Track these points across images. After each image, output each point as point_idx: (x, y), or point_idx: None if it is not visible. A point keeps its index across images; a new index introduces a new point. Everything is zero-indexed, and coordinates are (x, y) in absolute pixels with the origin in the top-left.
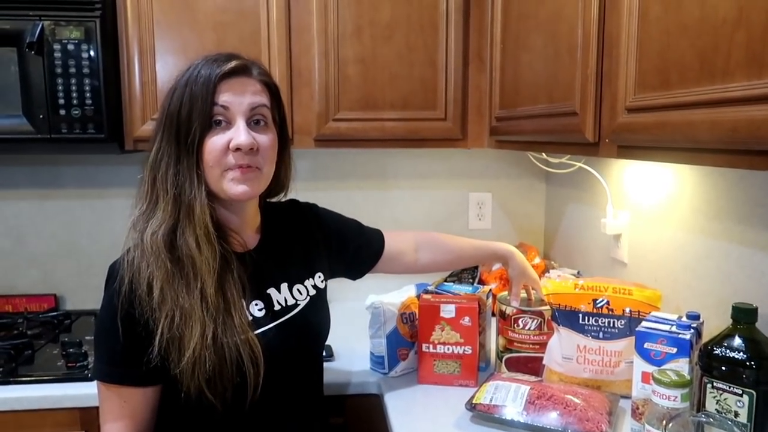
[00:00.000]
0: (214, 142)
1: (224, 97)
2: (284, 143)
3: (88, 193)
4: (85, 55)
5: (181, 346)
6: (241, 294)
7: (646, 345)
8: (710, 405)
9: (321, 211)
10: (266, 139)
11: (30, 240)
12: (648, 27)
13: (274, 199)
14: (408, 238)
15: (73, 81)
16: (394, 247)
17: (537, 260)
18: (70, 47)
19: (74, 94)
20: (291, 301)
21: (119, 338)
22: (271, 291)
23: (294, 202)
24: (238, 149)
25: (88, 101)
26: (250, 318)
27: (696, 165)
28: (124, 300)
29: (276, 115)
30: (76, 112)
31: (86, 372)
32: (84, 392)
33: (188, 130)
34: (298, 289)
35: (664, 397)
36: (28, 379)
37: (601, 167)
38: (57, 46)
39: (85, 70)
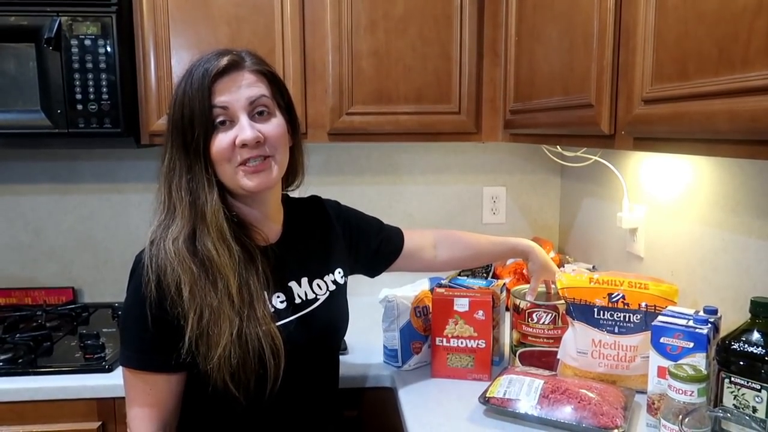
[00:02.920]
0: (221, 141)
1: (221, 98)
2: (294, 127)
3: (105, 187)
4: (101, 50)
5: (209, 343)
6: (264, 287)
7: (662, 339)
8: (727, 400)
9: (343, 207)
10: (272, 127)
11: (48, 234)
12: (665, 16)
13: (293, 189)
14: (427, 235)
15: (90, 76)
16: (413, 244)
17: (552, 254)
18: (87, 42)
19: (91, 89)
20: (311, 295)
21: (148, 326)
22: (292, 284)
23: (316, 198)
24: (244, 145)
25: (105, 96)
26: (272, 310)
27: (714, 156)
28: (153, 292)
29: (279, 101)
30: (93, 106)
31: (104, 363)
32: (101, 383)
33: (193, 136)
34: (317, 284)
35: (680, 392)
36: (47, 370)
37: (616, 160)
38: (74, 42)
39: (102, 65)
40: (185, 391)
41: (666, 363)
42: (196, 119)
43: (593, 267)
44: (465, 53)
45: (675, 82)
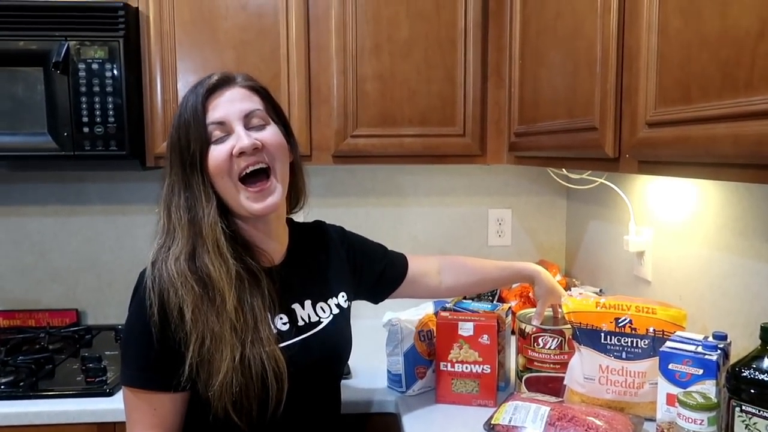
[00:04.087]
0: (218, 153)
1: (215, 114)
2: (292, 145)
3: (111, 209)
4: (108, 74)
5: (210, 370)
6: (268, 308)
7: (670, 366)
8: (739, 429)
9: (348, 233)
10: (269, 134)
11: (54, 255)
12: (668, 41)
13: (297, 211)
14: (431, 261)
15: (97, 99)
16: (417, 269)
17: (558, 278)
18: (95, 66)
19: (98, 112)
20: (314, 318)
21: (152, 342)
22: (296, 306)
23: (320, 223)
24: (242, 153)
25: (111, 119)
26: (275, 331)
27: (720, 180)
28: (155, 316)
29: (274, 116)
30: (99, 129)
31: (105, 387)
32: (102, 407)
33: (189, 152)
34: (321, 307)
35: (690, 420)
36: (48, 393)
37: (623, 183)
38: (82, 66)
39: (109, 89)
40: (186, 418)
41: (675, 390)
42: (192, 136)
43: (600, 290)
44: (469, 76)
45: (678, 105)
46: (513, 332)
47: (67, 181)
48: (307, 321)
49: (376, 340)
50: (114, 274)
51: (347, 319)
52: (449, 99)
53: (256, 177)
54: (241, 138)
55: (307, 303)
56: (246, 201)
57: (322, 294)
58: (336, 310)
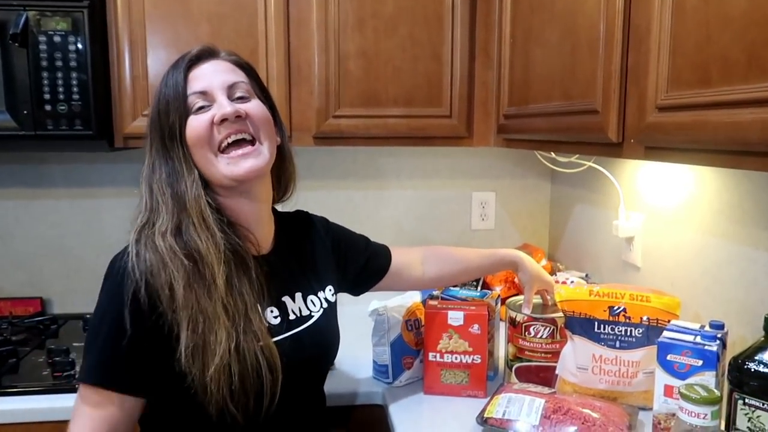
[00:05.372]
0: (197, 121)
1: (197, 85)
2: (279, 128)
3: (76, 192)
4: (72, 47)
5: (206, 354)
6: (258, 296)
7: (669, 357)
8: (741, 423)
9: (331, 224)
10: (253, 106)
11: (16, 241)
12: (684, 19)
13: (285, 199)
14: (413, 251)
15: (60, 75)
16: (400, 261)
17: (543, 262)
18: (57, 39)
19: (60, 89)
20: (305, 312)
21: (126, 333)
22: (286, 299)
23: (304, 213)
24: (224, 120)
25: (76, 96)
26: (266, 325)
27: (741, 169)
28: (143, 297)
29: (260, 95)
30: (63, 107)
31: (73, 382)
32: (71, 405)
33: (168, 123)
34: (312, 300)
35: (693, 414)
36: (11, 390)
37: (612, 167)
38: (42, 38)
39: (72, 63)
40: (174, 418)
41: (673, 381)
42: (171, 107)
43: (586, 275)
44: (457, 55)
45: (695, 89)
46: (501, 319)
47: (28, 162)
48: (299, 315)
49: (359, 328)
50: (81, 261)
51: (335, 313)
52: (435, 78)
53: (238, 146)
54: (223, 105)
55: (298, 296)
56: (226, 167)
57: (312, 287)
58: (325, 304)
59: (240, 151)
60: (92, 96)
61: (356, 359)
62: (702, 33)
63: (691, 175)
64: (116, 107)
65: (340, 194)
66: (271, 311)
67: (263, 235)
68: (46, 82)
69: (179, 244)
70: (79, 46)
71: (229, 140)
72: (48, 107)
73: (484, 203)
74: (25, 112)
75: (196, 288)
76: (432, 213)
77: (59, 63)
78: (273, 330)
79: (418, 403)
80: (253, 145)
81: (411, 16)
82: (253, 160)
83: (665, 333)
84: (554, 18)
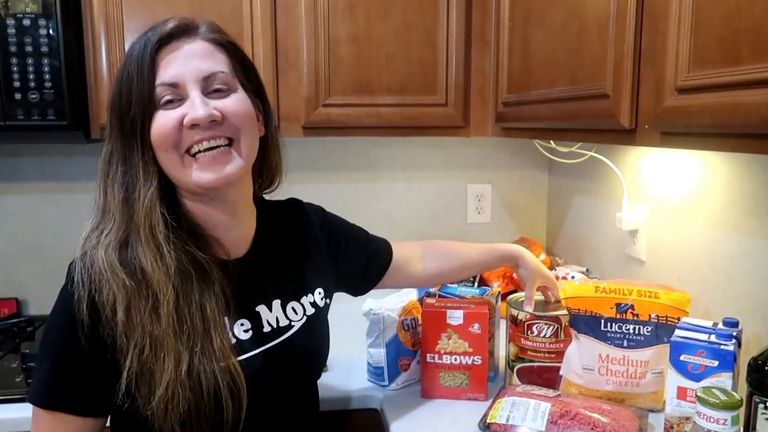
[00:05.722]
0: (164, 120)
1: (167, 73)
2: (267, 116)
3: (51, 186)
4: (43, 31)
5: (151, 382)
6: (223, 311)
7: (682, 357)
8: (762, 427)
9: (328, 215)
10: (232, 102)
11: None
12: None
13: (270, 191)
14: (412, 246)
15: (30, 61)
16: (400, 255)
17: (542, 257)
18: (26, 22)
19: (31, 76)
20: (284, 322)
21: (75, 353)
22: (261, 309)
23: (296, 202)
24: (194, 125)
25: (48, 84)
26: (234, 341)
27: None
28: (84, 314)
29: (244, 80)
30: (34, 96)
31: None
32: None
33: (129, 116)
34: (293, 308)
35: (712, 420)
36: None
37: (615, 157)
38: (11, 21)
39: (44, 49)
40: None
41: (687, 383)
42: (134, 96)
43: (587, 270)
44: (452, 40)
45: (722, 67)
46: (502, 317)
47: (0, 155)
48: (275, 326)
49: (353, 327)
50: (58, 259)
51: (324, 320)
52: (430, 65)
53: (212, 151)
54: (195, 106)
55: (276, 304)
56: (195, 172)
57: (295, 291)
58: (310, 310)
59: (211, 155)
60: (66, 84)
61: (350, 361)
62: (730, 5)
63: (698, 164)
64: (92, 96)
65: (330, 187)
66: (241, 324)
67: (239, 236)
68: (15, 68)
69: (122, 260)
70: (51, 30)
71: (201, 147)
72: (18, 96)
73: (479, 196)
74: None
75: (140, 310)
76: (426, 206)
77: (29, 48)
78: (241, 346)
79: (416, 407)
80: (228, 146)
81: None
82: (226, 167)
83: (678, 332)
84: None
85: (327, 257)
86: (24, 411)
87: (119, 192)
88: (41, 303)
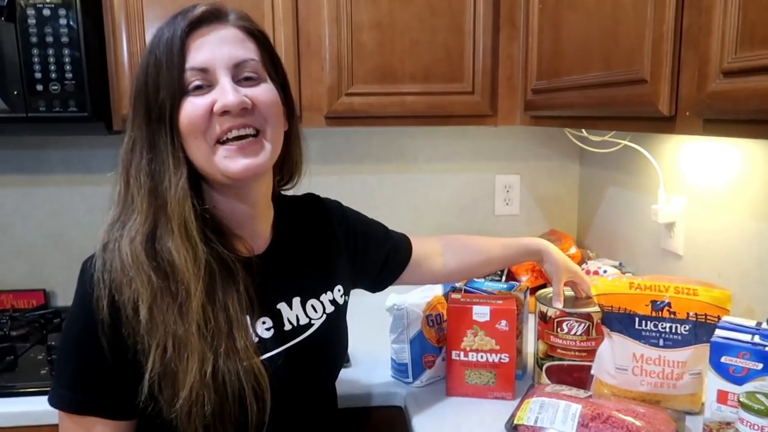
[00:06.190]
0: (193, 107)
1: (197, 57)
2: (290, 110)
3: (77, 178)
4: (63, 21)
5: (175, 384)
6: (246, 310)
7: (723, 359)
8: None
9: (346, 210)
10: (262, 91)
11: (15, 230)
12: None
13: (288, 188)
14: (432, 241)
15: (51, 52)
16: (420, 251)
17: (573, 250)
18: (46, 13)
19: (52, 67)
20: (304, 320)
21: (98, 352)
22: (282, 306)
23: (314, 197)
24: (225, 112)
25: (69, 75)
26: (256, 340)
27: None
28: (105, 314)
29: (272, 72)
30: (55, 87)
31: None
32: None
33: (157, 102)
34: (312, 306)
35: (756, 427)
36: (7, 391)
37: (650, 145)
38: (31, 11)
39: (64, 39)
40: None
41: (728, 386)
42: (162, 80)
43: (620, 264)
44: (479, 25)
45: None
46: (530, 311)
47: (26, 147)
48: (296, 324)
49: (377, 321)
50: (84, 250)
51: (343, 317)
52: (456, 51)
53: (239, 139)
54: (227, 92)
55: (296, 301)
56: (223, 160)
57: (315, 289)
58: (330, 308)
59: (239, 144)
60: (87, 75)
61: (374, 356)
62: None
63: (739, 153)
64: (113, 86)
65: (354, 178)
66: (263, 323)
67: (258, 232)
68: (36, 60)
69: (149, 254)
70: (71, 20)
71: (230, 135)
72: (39, 87)
73: (508, 187)
74: (15, 92)
75: (164, 309)
76: (453, 197)
77: (50, 39)
78: (264, 344)
79: (440, 405)
80: (256, 137)
81: None
82: (253, 159)
83: (718, 332)
84: None
85: (345, 253)
86: (48, 404)
87: (145, 181)
88: (68, 294)
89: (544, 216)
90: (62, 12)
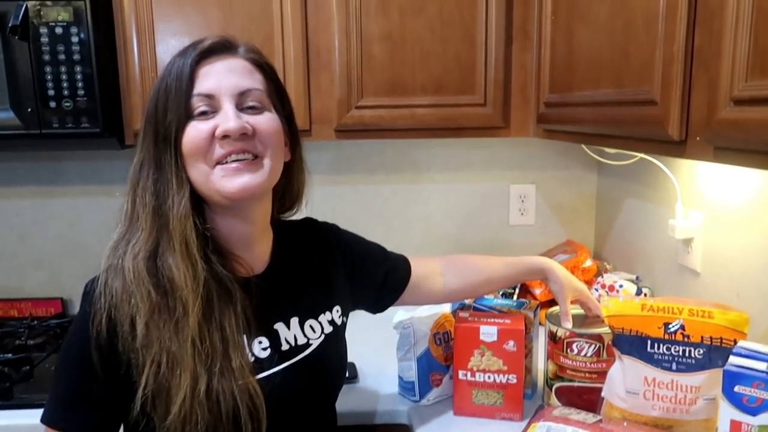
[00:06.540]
0: (197, 130)
1: (204, 84)
2: (294, 139)
3: (93, 189)
4: (75, 38)
5: (167, 401)
6: (243, 329)
7: (737, 388)
8: None
9: (343, 232)
10: (264, 120)
11: (34, 240)
12: None
13: (288, 216)
14: (432, 261)
15: (63, 69)
16: (419, 271)
17: (588, 262)
18: (58, 30)
19: (65, 84)
20: (302, 340)
21: (88, 375)
22: (279, 326)
23: (312, 222)
24: (225, 137)
25: (81, 91)
26: (252, 359)
27: None
28: (102, 329)
29: (277, 103)
30: (68, 104)
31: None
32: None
33: (164, 124)
34: (311, 326)
35: None
36: (22, 403)
37: (667, 159)
38: (43, 30)
39: (76, 56)
40: None
41: (742, 417)
42: (170, 105)
43: (637, 278)
44: (491, 36)
45: None
46: (541, 324)
47: (43, 160)
48: (293, 344)
49: (384, 337)
50: (100, 260)
51: (342, 337)
52: (468, 63)
53: (238, 162)
54: (228, 118)
55: (294, 321)
56: (220, 180)
57: (313, 309)
58: (328, 329)
59: (236, 164)
60: (98, 91)
61: (381, 373)
62: None
63: (757, 172)
64: (125, 102)
65: (367, 189)
66: (260, 342)
67: (257, 254)
68: (49, 77)
69: (150, 270)
70: (83, 37)
71: (229, 159)
72: (53, 104)
73: (523, 197)
74: (29, 109)
75: (160, 325)
76: (467, 208)
77: (62, 56)
78: (260, 364)
79: (447, 424)
80: (254, 160)
81: None
82: (250, 177)
83: (732, 359)
84: None
85: (343, 274)
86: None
87: (150, 200)
88: None
89: (560, 226)
90: (74, 30)
